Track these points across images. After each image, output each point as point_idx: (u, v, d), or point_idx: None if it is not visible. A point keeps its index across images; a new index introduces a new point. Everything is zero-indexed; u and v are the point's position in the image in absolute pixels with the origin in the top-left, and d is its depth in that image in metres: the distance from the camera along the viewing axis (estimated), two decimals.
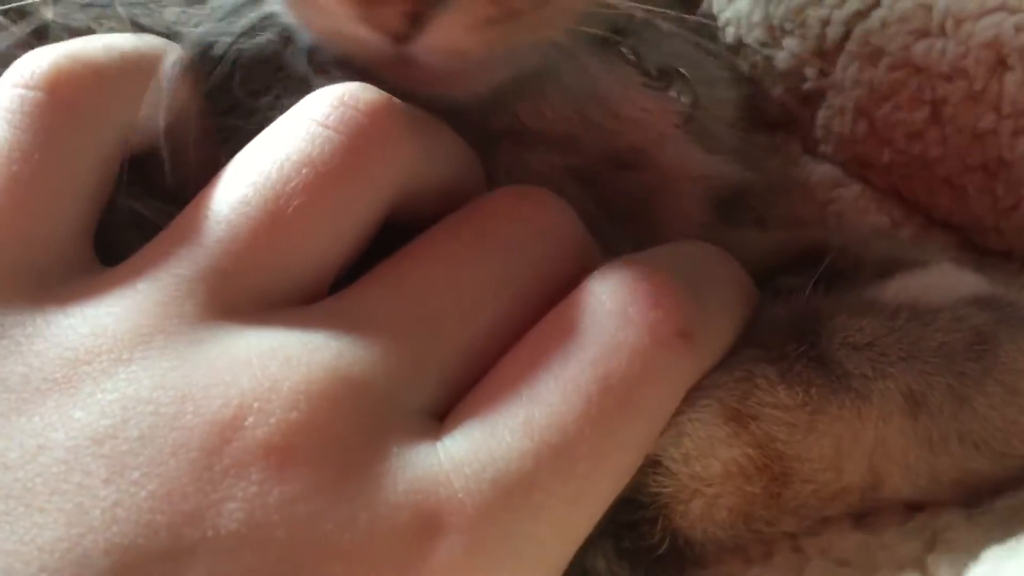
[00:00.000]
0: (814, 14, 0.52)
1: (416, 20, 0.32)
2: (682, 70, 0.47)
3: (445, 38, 0.33)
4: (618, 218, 0.42)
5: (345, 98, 0.34)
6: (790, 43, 0.53)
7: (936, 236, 0.49)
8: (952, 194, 0.47)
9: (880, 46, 0.49)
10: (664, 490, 0.33)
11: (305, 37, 0.38)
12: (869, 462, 0.33)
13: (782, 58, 0.53)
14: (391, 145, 0.34)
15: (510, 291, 0.35)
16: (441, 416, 0.33)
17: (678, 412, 0.33)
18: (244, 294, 0.32)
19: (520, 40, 0.35)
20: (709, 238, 0.42)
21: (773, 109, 0.54)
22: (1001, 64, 0.46)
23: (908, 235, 0.49)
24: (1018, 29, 0.45)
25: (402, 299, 0.34)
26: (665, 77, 0.46)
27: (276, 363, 0.30)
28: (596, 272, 0.35)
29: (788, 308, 0.36)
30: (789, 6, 0.53)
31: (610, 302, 0.33)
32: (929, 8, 0.48)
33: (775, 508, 0.34)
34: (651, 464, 0.33)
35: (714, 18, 0.56)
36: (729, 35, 0.56)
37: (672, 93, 0.46)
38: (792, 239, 0.48)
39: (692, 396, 0.34)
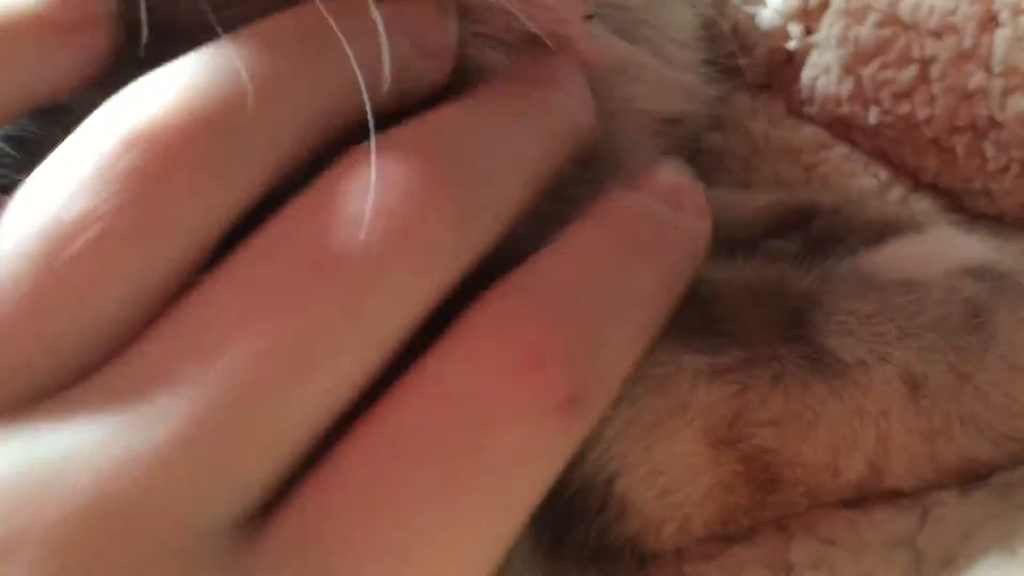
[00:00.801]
0: None
1: None
2: None
3: None
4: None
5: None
6: (773, 1, 0.51)
7: (924, 198, 0.47)
8: (941, 156, 0.46)
9: (867, 2, 0.48)
10: (633, 527, 0.32)
11: None
12: (869, 461, 0.32)
13: (765, 16, 0.51)
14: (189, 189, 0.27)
15: (375, 341, 0.27)
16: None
17: (648, 446, 0.31)
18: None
19: None
20: None
21: (756, 69, 0.52)
22: (992, 20, 0.44)
23: (896, 198, 0.48)
24: None
25: (211, 359, 0.25)
26: None
27: (21, 496, 0.23)
28: (466, 316, 0.28)
29: (777, 295, 0.34)
30: None
31: (481, 368, 0.27)
32: None
33: (759, 511, 0.33)
34: (619, 510, 0.31)
35: None
36: None
37: None
38: (781, 200, 0.46)
39: (670, 424, 0.31)
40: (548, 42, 0.35)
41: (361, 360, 0.27)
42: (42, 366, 0.25)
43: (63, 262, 0.25)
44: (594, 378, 0.28)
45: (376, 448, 0.26)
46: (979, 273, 0.35)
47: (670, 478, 0.31)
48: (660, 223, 0.33)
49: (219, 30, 0.29)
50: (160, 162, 0.26)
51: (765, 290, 0.34)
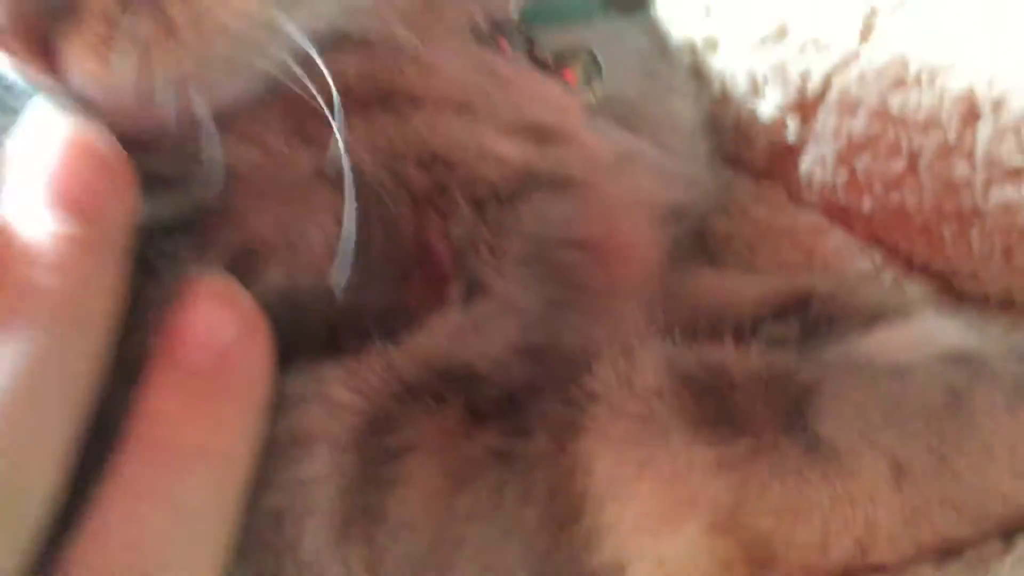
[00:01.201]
0: (795, 67, 0.54)
1: (47, 52, 0.33)
2: (593, 52, 0.45)
3: (77, 63, 0.33)
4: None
5: None
6: (772, 95, 0.55)
7: (916, 281, 0.50)
8: (930, 242, 0.49)
9: (858, 97, 0.51)
10: None
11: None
12: (856, 541, 0.35)
13: (765, 110, 0.55)
14: None
15: None
16: None
17: (656, 536, 0.34)
18: None
19: (174, 66, 0.34)
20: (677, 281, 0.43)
21: (758, 158, 0.56)
22: (974, 115, 0.48)
23: (890, 280, 0.51)
24: (990, 82, 0.47)
25: None
26: (562, 62, 0.45)
27: None
28: None
29: (773, 381, 0.37)
30: (771, 60, 0.55)
31: None
32: (905, 61, 0.50)
33: None
34: None
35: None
36: (715, 88, 0.57)
37: (571, 75, 0.45)
38: (780, 285, 0.50)
39: (675, 515, 0.34)
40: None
41: None
42: None
43: None
44: None
45: None
46: (959, 359, 0.39)
47: (675, 564, 0.34)
48: (201, 408, 0.34)
49: None
50: None
51: (771, 380, 0.37)
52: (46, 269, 0.33)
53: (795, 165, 0.55)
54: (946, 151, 0.48)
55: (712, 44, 0.59)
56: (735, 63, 0.57)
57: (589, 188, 0.41)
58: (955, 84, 0.48)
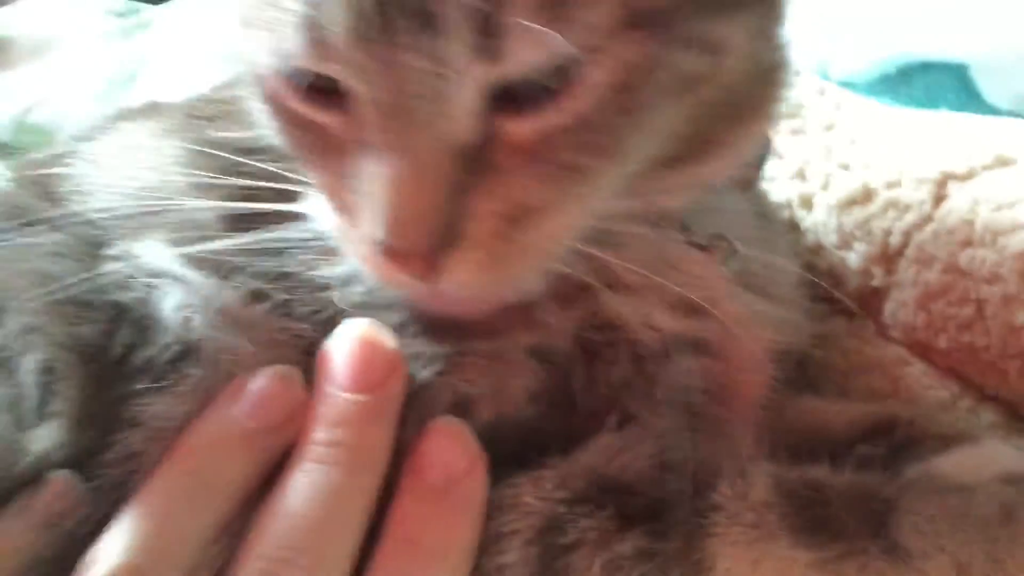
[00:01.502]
0: (878, 225, 0.64)
1: (433, 268, 0.43)
2: (728, 237, 0.56)
3: (456, 278, 0.43)
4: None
5: None
6: (859, 248, 0.65)
7: (988, 408, 0.59)
8: (997, 376, 0.58)
9: (933, 253, 0.61)
10: None
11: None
12: None
13: (853, 260, 0.65)
14: None
15: None
16: None
17: None
18: None
19: (515, 274, 0.45)
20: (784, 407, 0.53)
21: (848, 299, 0.66)
22: None
23: (965, 407, 0.60)
24: None
25: None
26: (713, 242, 0.55)
27: None
28: None
29: (862, 496, 0.46)
30: (857, 218, 0.65)
31: None
32: (972, 223, 0.60)
33: None
34: None
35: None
36: (810, 239, 0.68)
37: (716, 256, 0.55)
38: (869, 412, 0.59)
39: None
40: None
41: None
42: None
43: None
44: None
45: None
46: (1014, 480, 0.48)
47: None
48: (439, 515, 0.46)
49: None
50: None
51: (860, 496, 0.46)
52: (345, 426, 0.46)
53: (881, 306, 0.64)
54: (1008, 300, 0.57)
55: (807, 202, 0.69)
56: (827, 219, 0.67)
57: (721, 347, 0.52)
58: (1014, 243, 0.58)
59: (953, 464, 0.51)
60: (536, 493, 0.47)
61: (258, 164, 0.49)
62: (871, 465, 0.51)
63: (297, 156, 0.47)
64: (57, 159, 0.57)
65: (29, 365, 0.48)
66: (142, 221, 0.52)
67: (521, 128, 0.41)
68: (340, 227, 0.46)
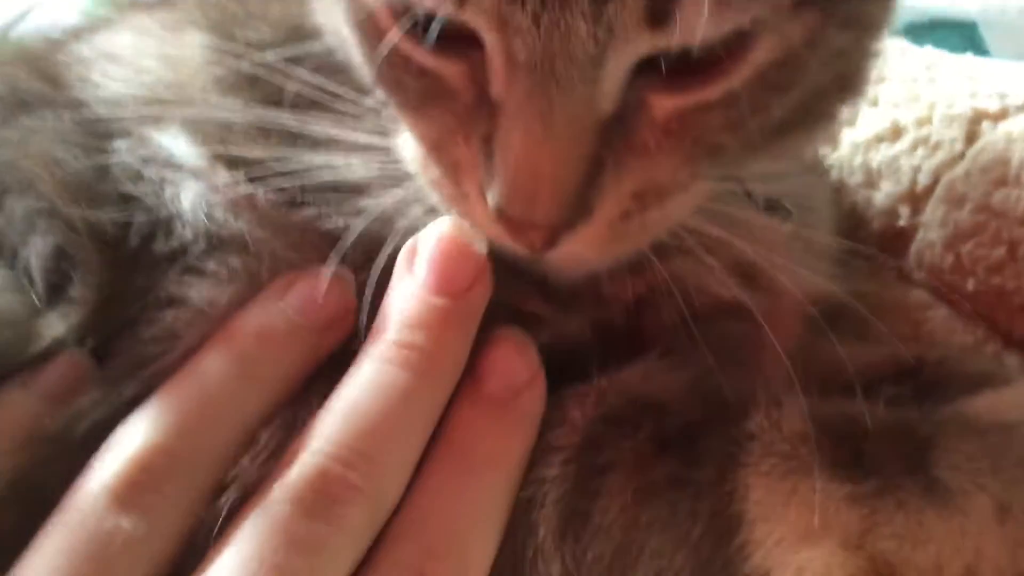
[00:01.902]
0: (907, 163, 0.62)
1: (552, 241, 0.41)
2: (786, 204, 0.55)
3: (570, 252, 0.42)
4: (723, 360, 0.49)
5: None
6: (886, 186, 0.63)
7: (1014, 353, 0.57)
8: None
9: (964, 192, 0.59)
10: None
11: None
12: (966, 566, 0.42)
13: (879, 199, 0.63)
14: None
15: None
16: None
17: (797, 551, 0.41)
18: None
19: (626, 250, 0.44)
20: (812, 351, 0.51)
21: (871, 240, 0.64)
22: None
23: (991, 352, 0.58)
24: None
25: None
26: (771, 208, 0.54)
27: None
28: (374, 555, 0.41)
29: (897, 432, 0.44)
30: (885, 155, 0.63)
31: None
32: (1006, 162, 0.58)
33: None
34: None
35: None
36: (833, 177, 0.66)
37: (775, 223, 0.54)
38: (894, 354, 0.57)
39: (813, 535, 0.41)
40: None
41: None
42: None
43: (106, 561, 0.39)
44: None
45: None
46: None
47: (812, 573, 0.42)
48: (498, 426, 0.44)
49: None
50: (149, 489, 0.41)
51: (897, 431, 0.44)
52: (424, 329, 0.43)
53: (905, 247, 0.62)
54: None
55: (830, 138, 0.67)
56: (852, 156, 0.65)
57: (765, 317, 0.49)
58: None
59: (986, 405, 0.49)
60: (580, 410, 0.45)
61: (302, 75, 0.46)
62: (901, 404, 0.49)
63: (395, 99, 0.43)
64: (57, 46, 0.53)
65: (38, 248, 0.45)
66: (158, 114, 0.49)
67: (666, 103, 0.39)
68: (440, 184, 0.43)
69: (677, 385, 0.46)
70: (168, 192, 0.48)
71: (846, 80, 0.46)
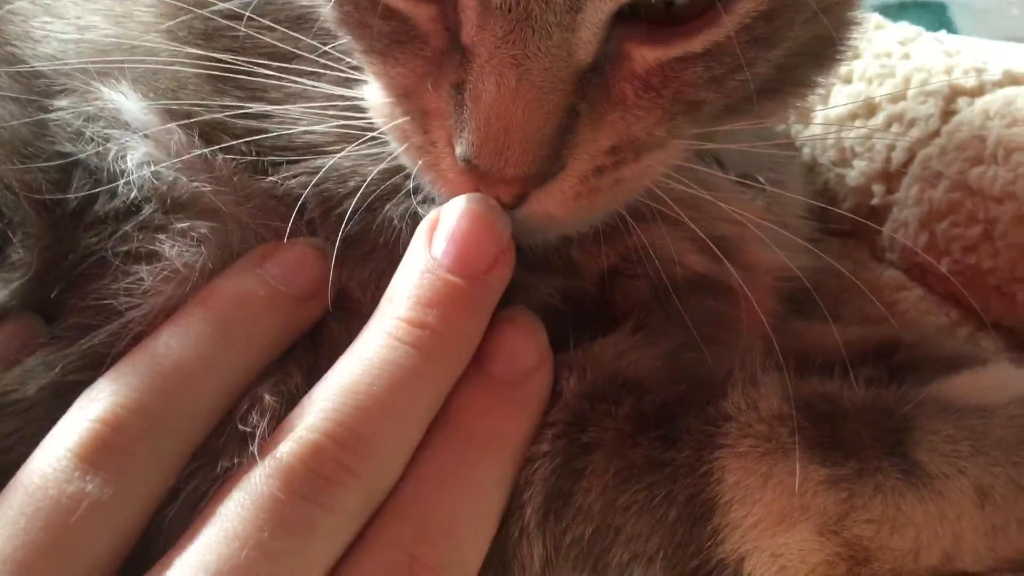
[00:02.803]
0: (881, 140, 0.60)
1: (521, 195, 0.39)
2: (759, 178, 0.54)
3: (541, 208, 0.40)
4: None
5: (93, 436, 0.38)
6: (859, 164, 0.61)
7: (989, 336, 0.56)
8: (1002, 300, 0.55)
9: (939, 170, 0.58)
10: None
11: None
12: (944, 551, 0.40)
13: (852, 177, 0.61)
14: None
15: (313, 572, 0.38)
16: None
17: (773, 535, 0.40)
18: None
19: (600, 209, 0.42)
20: (783, 331, 0.49)
21: (844, 219, 0.62)
22: None
23: (964, 334, 0.57)
24: None
25: None
26: (743, 182, 0.53)
27: None
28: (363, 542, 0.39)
29: (874, 414, 0.43)
30: (859, 132, 0.61)
31: None
32: (983, 139, 0.56)
33: None
34: None
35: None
36: (805, 155, 0.64)
37: (748, 196, 0.53)
38: (867, 335, 0.55)
39: (790, 519, 0.40)
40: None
41: None
42: None
43: (70, 528, 0.37)
44: (460, 572, 0.39)
45: None
46: None
47: (787, 559, 0.40)
48: (501, 408, 0.42)
49: None
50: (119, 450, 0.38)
51: (875, 412, 0.43)
52: (438, 308, 0.40)
53: (879, 226, 0.61)
54: (1019, 221, 0.54)
55: (803, 115, 0.65)
56: (826, 133, 0.63)
57: (738, 292, 0.48)
58: None
59: (964, 386, 0.47)
60: (567, 383, 0.43)
61: (255, 32, 0.43)
62: (877, 386, 0.47)
63: (361, 44, 0.41)
64: None
65: None
66: (104, 70, 0.46)
67: (647, 55, 0.38)
68: (406, 133, 0.41)
69: (651, 362, 0.45)
70: (112, 151, 0.45)
71: (825, 44, 0.45)
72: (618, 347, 0.45)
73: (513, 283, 0.43)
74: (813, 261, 0.53)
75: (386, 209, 0.44)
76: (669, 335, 0.46)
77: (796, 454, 0.41)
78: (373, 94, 0.42)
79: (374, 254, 0.44)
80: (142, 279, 0.43)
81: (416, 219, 0.43)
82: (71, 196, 0.44)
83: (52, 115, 0.45)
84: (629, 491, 0.41)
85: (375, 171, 0.43)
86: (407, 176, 0.43)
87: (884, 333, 0.55)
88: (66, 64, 0.46)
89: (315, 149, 0.45)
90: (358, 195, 0.43)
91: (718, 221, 0.48)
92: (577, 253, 0.46)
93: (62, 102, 0.46)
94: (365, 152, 0.43)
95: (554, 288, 0.45)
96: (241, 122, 0.44)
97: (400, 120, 0.41)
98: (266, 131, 0.44)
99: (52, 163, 0.44)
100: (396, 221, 0.44)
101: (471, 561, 0.40)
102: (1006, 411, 0.44)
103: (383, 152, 0.43)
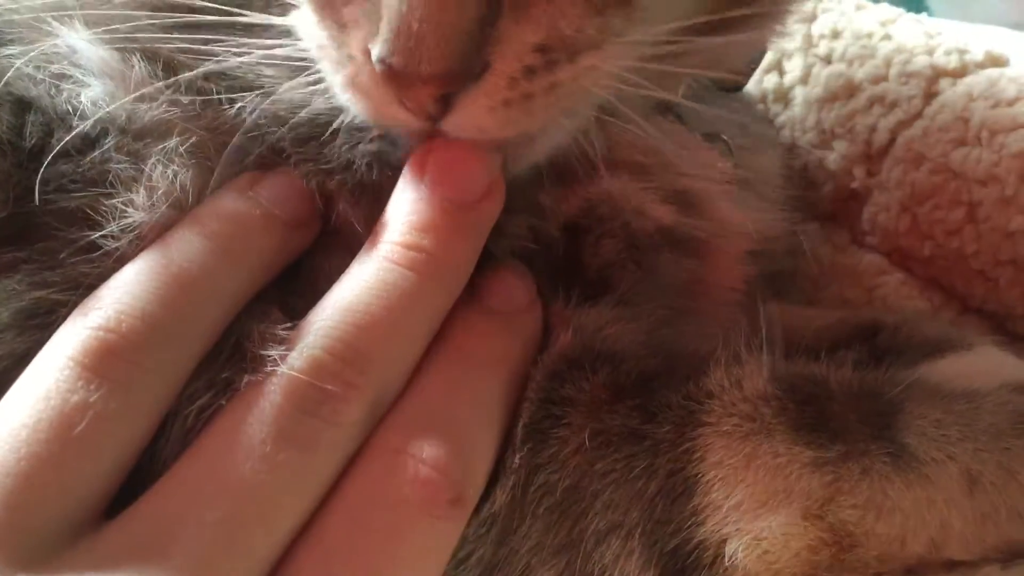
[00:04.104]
0: (862, 121, 0.59)
1: (444, 102, 0.37)
2: (724, 136, 0.52)
3: (469, 117, 0.38)
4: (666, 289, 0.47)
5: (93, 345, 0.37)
6: (840, 146, 0.60)
7: (971, 321, 0.55)
8: (986, 285, 0.54)
9: (922, 152, 0.56)
10: None
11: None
12: (931, 538, 0.39)
13: (832, 159, 0.60)
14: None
15: (315, 489, 0.38)
16: None
17: (755, 517, 0.38)
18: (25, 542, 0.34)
19: (533, 122, 0.40)
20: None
21: (824, 203, 0.61)
22: None
23: (946, 319, 0.55)
24: None
25: (204, 507, 0.36)
26: (709, 141, 0.51)
27: None
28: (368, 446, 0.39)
29: (861, 397, 0.41)
30: (840, 113, 0.60)
31: (381, 485, 0.38)
32: (966, 120, 0.55)
33: (838, 568, 0.40)
34: (727, 565, 0.38)
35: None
36: (784, 137, 0.62)
37: (714, 153, 0.51)
38: (848, 317, 0.54)
39: (773, 502, 0.38)
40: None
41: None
42: (60, 514, 0.35)
43: (74, 439, 0.36)
44: (467, 479, 0.39)
45: (323, 551, 0.37)
46: (1023, 389, 0.43)
47: (769, 543, 0.39)
48: (498, 334, 0.42)
49: None
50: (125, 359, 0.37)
51: (862, 394, 0.41)
52: (433, 233, 0.40)
53: (859, 210, 0.59)
54: (1003, 204, 0.53)
55: (782, 96, 0.64)
56: (805, 115, 0.62)
57: (706, 249, 0.48)
58: (1013, 142, 0.53)
59: (952, 370, 0.46)
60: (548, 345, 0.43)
61: None
62: (863, 368, 0.46)
63: None
64: None
65: None
66: (57, 17, 0.44)
67: None
68: (326, 50, 0.39)
69: (631, 336, 0.43)
70: (66, 92, 0.43)
71: None
72: (597, 321, 0.44)
73: None
74: (786, 228, 0.52)
75: (353, 141, 0.43)
76: (650, 310, 0.44)
77: (780, 435, 0.39)
78: (303, 16, 0.41)
79: (358, 185, 0.43)
80: (123, 200, 0.41)
81: (383, 154, 0.43)
82: (27, 137, 0.43)
83: (4, 62, 0.44)
84: (608, 458, 0.39)
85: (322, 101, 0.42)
86: None
87: (864, 316, 0.54)
88: (18, 14, 0.45)
89: (272, 80, 0.44)
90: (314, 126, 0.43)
91: (682, 176, 0.47)
92: (543, 197, 0.45)
93: (13, 50, 0.44)
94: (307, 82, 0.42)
95: (524, 228, 0.44)
96: (198, 61, 0.43)
97: (321, 37, 0.39)
98: (224, 72, 0.43)
99: (8, 109, 0.43)
100: (364, 156, 0.43)
101: (478, 469, 0.40)
102: (996, 397, 0.42)
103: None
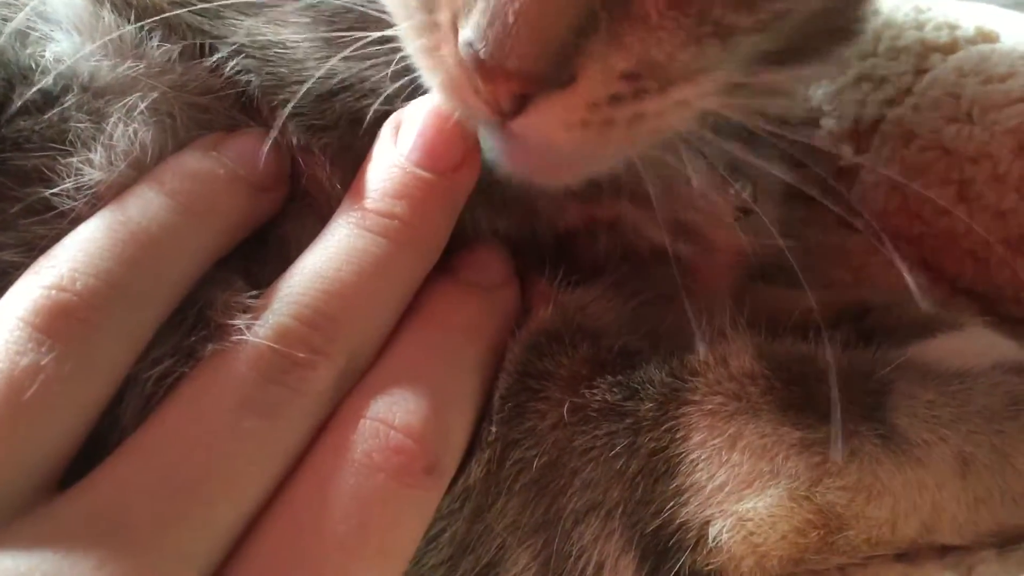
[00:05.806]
0: (851, 97, 0.57)
1: (520, 101, 0.36)
2: (745, 195, 0.51)
3: (542, 125, 0.36)
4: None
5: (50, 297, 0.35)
6: (828, 123, 0.58)
7: (960, 302, 0.54)
8: (976, 265, 0.53)
9: (912, 129, 0.55)
10: (719, 561, 0.38)
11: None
12: (923, 522, 0.38)
13: (820, 136, 0.58)
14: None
15: (281, 457, 0.37)
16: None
17: (740, 499, 0.37)
18: None
19: (607, 149, 0.39)
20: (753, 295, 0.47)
21: (809, 182, 0.59)
22: (1023, 149, 0.51)
23: (936, 301, 0.54)
24: None
25: (164, 477, 0.35)
26: (731, 174, 0.50)
27: None
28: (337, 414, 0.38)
29: (850, 377, 0.40)
30: (828, 89, 0.58)
31: (351, 452, 0.36)
32: (958, 96, 0.54)
33: (827, 551, 0.39)
34: (711, 547, 0.37)
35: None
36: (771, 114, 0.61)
37: (733, 189, 0.50)
38: (833, 297, 0.53)
39: (759, 483, 0.37)
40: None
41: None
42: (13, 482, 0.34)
43: (24, 404, 0.34)
44: (443, 447, 0.38)
45: (290, 519, 0.36)
46: (1017, 369, 0.42)
47: (755, 524, 0.37)
48: (474, 305, 0.42)
49: None
50: (81, 319, 0.35)
51: (853, 374, 0.40)
52: (407, 200, 0.40)
53: (847, 190, 0.58)
54: (995, 181, 0.52)
55: None
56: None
57: (701, 265, 0.48)
58: (1006, 119, 0.52)
59: (942, 351, 0.45)
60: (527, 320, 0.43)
61: None
62: (853, 348, 0.44)
63: None
64: None
65: None
66: None
67: None
68: (410, 8, 0.37)
69: (614, 313, 0.43)
70: (31, 46, 0.42)
71: (837, 17, 0.44)
72: (582, 299, 0.43)
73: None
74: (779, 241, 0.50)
75: (342, 101, 0.42)
76: (637, 291, 0.44)
77: (767, 415, 0.38)
78: None
79: (333, 148, 0.42)
80: (81, 159, 0.40)
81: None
82: None
83: None
84: (588, 434, 0.39)
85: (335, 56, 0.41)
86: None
87: (850, 296, 0.52)
88: None
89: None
90: (310, 83, 0.41)
91: (688, 210, 0.47)
92: (542, 205, 0.44)
93: None
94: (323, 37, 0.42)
95: (511, 223, 0.44)
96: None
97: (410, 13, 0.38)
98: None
99: None
100: (352, 115, 0.42)
101: (454, 438, 0.39)
102: (988, 377, 0.41)
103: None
